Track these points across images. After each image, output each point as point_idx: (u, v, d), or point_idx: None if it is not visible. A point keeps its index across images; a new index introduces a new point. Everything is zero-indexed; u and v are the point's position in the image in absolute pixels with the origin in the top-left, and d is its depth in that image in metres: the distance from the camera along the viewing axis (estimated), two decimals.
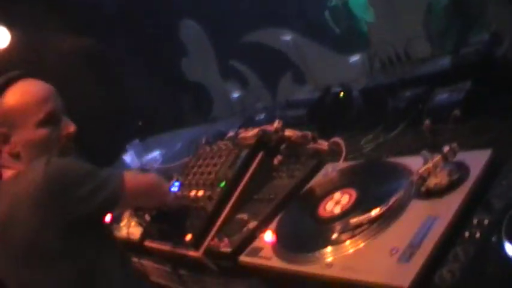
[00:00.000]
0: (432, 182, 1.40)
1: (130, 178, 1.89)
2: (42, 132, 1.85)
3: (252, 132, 2.32)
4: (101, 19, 5.66)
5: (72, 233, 1.76)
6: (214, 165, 2.20)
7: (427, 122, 1.88)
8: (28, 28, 5.03)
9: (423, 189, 1.41)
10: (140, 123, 5.59)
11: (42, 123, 1.84)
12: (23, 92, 1.86)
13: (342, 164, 1.93)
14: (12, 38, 4.79)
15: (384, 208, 1.41)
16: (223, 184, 2.04)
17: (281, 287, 1.60)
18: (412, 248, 1.23)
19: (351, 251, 1.38)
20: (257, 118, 3.21)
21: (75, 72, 5.73)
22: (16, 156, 1.85)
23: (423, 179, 1.42)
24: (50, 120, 1.86)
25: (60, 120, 1.90)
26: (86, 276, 1.81)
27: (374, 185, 1.59)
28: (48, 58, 5.34)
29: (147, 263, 2.44)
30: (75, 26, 5.65)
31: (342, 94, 2.65)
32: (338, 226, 1.46)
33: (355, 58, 3.99)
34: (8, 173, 1.87)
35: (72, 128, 1.92)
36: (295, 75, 4.58)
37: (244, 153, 2.11)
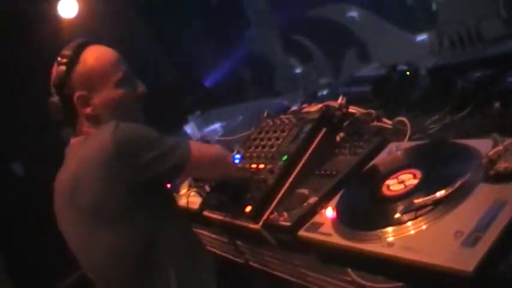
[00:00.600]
0: (502, 165, 1.35)
1: (197, 148, 1.92)
2: (121, 92, 1.93)
3: (315, 107, 2.31)
4: None
5: (136, 197, 1.80)
6: (277, 138, 2.19)
7: (496, 104, 1.82)
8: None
9: (492, 172, 1.36)
10: (203, 94, 5.65)
11: (120, 83, 1.92)
12: (98, 55, 1.92)
13: (406, 144, 1.89)
14: (80, 8, 4.88)
15: (450, 190, 1.37)
16: (285, 158, 2.03)
17: (339, 263, 1.59)
18: (478, 233, 1.20)
19: (412, 231, 1.35)
20: (320, 94, 3.19)
21: (141, 43, 5.83)
22: (95, 119, 1.91)
23: (492, 162, 1.37)
24: (126, 80, 1.95)
25: (133, 80, 1.99)
26: (146, 243, 1.84)
27: (440, 166, 1.55)
28: (114, 29, 5.44)
29: (204, 233, 2.47)
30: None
31: (408, 72, 2.59)
32: (401, 206, 1.43)
33: (422, 37, 3.90)
34: (77, 139, 1.94)
35: (142, 87, 2.02)
36: (360, 52, 4.53)
37: (307, 128, 2.09)
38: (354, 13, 4.40)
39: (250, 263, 2.20)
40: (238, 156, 2.36)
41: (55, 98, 1.90)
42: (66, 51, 1.90)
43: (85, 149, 1.83)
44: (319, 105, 2.28)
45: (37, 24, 4.88)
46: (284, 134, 2.18)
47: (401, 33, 4.10)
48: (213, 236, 2.41)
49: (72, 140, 1.98)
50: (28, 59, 4.81)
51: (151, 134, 1.82)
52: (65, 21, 5.06)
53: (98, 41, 2.00)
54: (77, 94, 1.88)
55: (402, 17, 4.08)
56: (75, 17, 4.97)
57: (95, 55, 1.91)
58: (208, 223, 2.38)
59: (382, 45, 4.29)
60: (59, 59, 1.90)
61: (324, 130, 2.09)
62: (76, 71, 1.87)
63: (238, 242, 2.20)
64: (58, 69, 1.88)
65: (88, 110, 1.90)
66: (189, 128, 4.19)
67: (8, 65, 4.81)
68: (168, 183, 1.99)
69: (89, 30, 5.20)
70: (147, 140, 1.79)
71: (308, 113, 2.25)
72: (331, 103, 2.30)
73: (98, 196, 1.78)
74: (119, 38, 5.48)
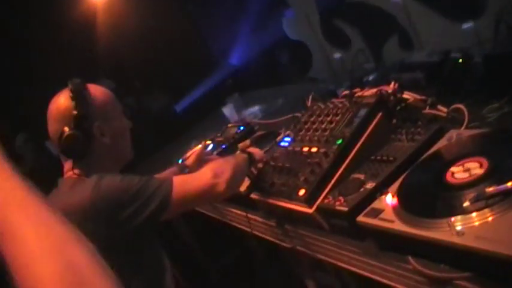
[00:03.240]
0: None
1: (181, 186, 1.91)
2: (126, 122, 2.12)
3: (369, 91, 2.26)
4: None
5: (110, 253, 1.76)
6: (330, 122, 2.16)
7: None
8: None
9: None
10: (230, 81, 5.62)
11: (123, 114, 2.11)
12: (103, 90, 2.05)
13: (467, 131, 1.85)
14: None
15: None
16: (340, 142, 2.00)
17: (400, 251, 1.56)
18: None
19: (482, 221, 1.31)
20: (366, 79, 3.14)
21: (174, 25, 5.82)
22: (109, 150, 2.00)
23: None
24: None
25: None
26: None
27: (507, 155, 1.51)
28: (146, 12, 5.45)
29: (249, 216, 2.45)
30: None
31: (461, 60, 2.53)
32: (470, 194, 1.39)
33: (467, 25, 3.82)
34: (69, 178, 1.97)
35: (130, 123, 2.15)
36: (402, 38, 4.45)
37: (362, 112, 2.05)
38: None
39: (298, 247, 2.17)
40: (288, 139, 2.33)
41: (72, 131, 1.91)
42: (74, 87, 1.93)
43: (69, 198, 1.84)
44: (374, 90, 2.24)
45: (72, 6, 4.90)
46: (338, 118, 2.14)
47: (447, 20, 4.01)
48: (259, 219, 2.38)
49: (67, 174, 2.00)
50: (56, 42, 4.85)
51: (133, 185, 1.83)
52: (96, 5, 5.08)
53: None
54: (96, 124, 1.95)
55: (448, 5, 3.99)
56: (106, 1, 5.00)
57: (99, 89, 2.03)
58: (254, 206, 2.36)
59: (425, 33, 4.21)
60: (68, 94, 1.93)
61: (379, 115, 2.05)
62: (91, 104, 1.94)
63: (287, 226, 2.17)
64: (71, 103, 1.91)
65: (106, 140, 1.99)
66: (227, 110, 4.16)
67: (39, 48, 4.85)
68: (151, 227, 1.98)
69: (125, 11, 5.23)
70: (129, 194, 1.81)
71: (362, 97, 2.20)
72: (385, 88, 2.26)
73: None
74: (151, 21, 5.52)
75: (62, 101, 1.94)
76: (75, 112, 1.89)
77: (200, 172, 2.03)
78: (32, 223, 0.80)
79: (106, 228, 1.77)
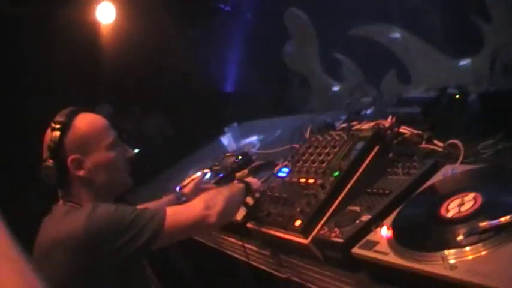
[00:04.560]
0: None
1: (173, 217, 1.95)
2: (112, 154, 2.07)
3: (366, 125, 2.30)
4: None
5: (103, 276, 1.87)
6: (327, 154, 2.18)
7: None
8: (132, 6, 5.20)
9: None
10: (239, 106, 5.67)
11: (111, 147, 2.07)
12: (90, 120, 2.08)
13: (462, 167, 1.88)
14: (117, 14, 4.94)
15: None
16: (336, 174, 2.02)
17: (393, 283, 1.57)
18: None
19: (476, 255, 1.34)
20: (363, 113, 3.18)
21: (178, 51, 5.87)
22: (87, 182, 2.02)
23: None
24: (117, 145, 2.11)
25: (122, 145, 2.16)
26: None
27: (502, 192, 1.53)
28: (151, 37, 5.49)
29: (244, 245, 2.46)
30: (178, 9, 5.78)
31: (457, 96, 2.57)
32: (464, 229, 1.42)
33: (464, 62, 3.88)
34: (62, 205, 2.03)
35: (131, 152, 2.20)
36: (400, 73, 4.50)
37: (359, 145, 2.08)
38: (397, 34, 4.38)
39: (292, 278, 2.18)
40: (286, 169, 2.36)
41: (49, 162, 1.98)
42: (59, 118, 2.01)
43: (62, 225, 1.89)
44: (371, 124, 2.28)
45: (74, 29, 4.95)
46: (335, 150, 2.17)
47: (444, 57, 4.07)
48: (254, 248, 2.39)
49: (61, 202, 2.05)
50: (65, 63, 4.88)
51: (127, 216, 1.87)
52: (103, 26, 5.13)
53: (88, 108, 2.14)
54: (70, 157, 1.98)
55: (446, 42, 4.05)
56: (113, 22, 5.03)
57: (87, 120, 2.06)
58: (250, 235, 2.37)
59: (423, 68, 4.26)
60: (52, 125, 2.01)
61: (376, 148, 2.08)
62: (69, 136, 1.99)
63: (282, 256, 2.18)
64: (52, 134, 1.99)
65: (81, 173, 2.00)
66: (226, 139, 4.19)
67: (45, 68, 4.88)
68: (142, 256, 2.03)
69: (126, 35, 5.27)
70: (122, 225, 1.85)
71: (360, 130, 2.24)
72: (382, 122, 2.30)
73: (63, 277, 1.82)
74: (155, 45, 5.58)
75: (48, 131, 2.02)
76: (51, 144, 1.98)
77: (192, 203, 2.06)
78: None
79: (97, 257, 1.82)
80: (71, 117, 2.02)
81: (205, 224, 2.00)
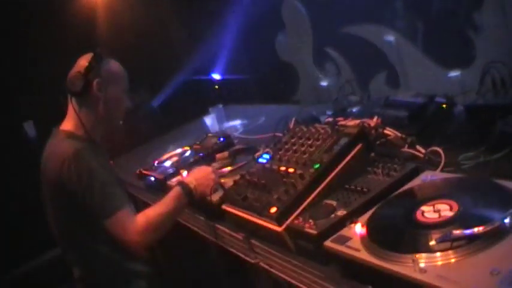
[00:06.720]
0: None
1: (116, 223, 2.37)
2: (122, 97, 2.62)
3: (352, 122, 2.31)
4: None
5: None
6: (310, 146, 2.19)
7: None
8: None
9: None
10: (216, 87, 5.67)
11: (125, 92, 2.63)
12: (121, 68, 2.63)
13: (441, 174, 1.90)
14: None
15: (489, 227, 1.37)
16: (317, 166, 2.03)
17: (362, 279, 1.59)
18: None
19: (445, 261, 1.35)
20: (349, 110, 3.19)
21: (169, 33, 5.85)
22: (95, 106, 2.53)
23: None
24: (127, 92, 2.64)
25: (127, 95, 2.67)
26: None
27: (479, 202, 1.55)
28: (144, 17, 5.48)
29: (217, 226, 2.47)
30: None
31: (444, 105, 2.59)
32: (437, 234, 1.43)
33: (455, 73, 3.91)
34: (68, 124, 2.58)
35: (130, 104, 2.68)
36: (390, 76, 4.53)
37: (343, 141, 2.09)
38: (391, 38, 4.40)
39: (261, 264, 2.19)
40: (267, 156, 2.36)
41: (80, 73, 2.47)
42: (97, 52, 2.51)
43: (59, 147, 2.48)
44: (356, 121, 2.29)
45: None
46: (318, 142, 2.18)
47: (435, 66, 4.10)
48: (226, 230, 2.39)
49: (62, 126, 2.60)
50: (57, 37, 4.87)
51: (94, 189, 2.38)
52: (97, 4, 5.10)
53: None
54: (97, 79, 2.48)
55: (439, 52, 4.08)
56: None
57: (119, 65, 2.62)
58: (223, 217, 2.38)
59: (413, 74, 4.30)
60: (91, 54, 2.51)
61: (359, 146, 2.09)
62: (104, 66, 2.52)
63: (254, 241, 2.19)
64: (90, 59, 2.48)
65: (98, 95, 2.49)
66: (209, 120, 4.19)
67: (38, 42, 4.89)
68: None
69: (125, 6, 5.25)
70: (82, 191, 2.38)
71: (344, 126, 2.25)
72: (368, 121, 2.31)
73: (56, 183, 2.41)
74: (148, 26, 5.55)
75: (85, 55, 2.53)
76: (87, 63, 2.47)
77: (135, 226, 2.35)
78: None
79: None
80: (107, 56, 2.57)
81: (133, 247, 2.38)
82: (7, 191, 5.04)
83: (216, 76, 5.82)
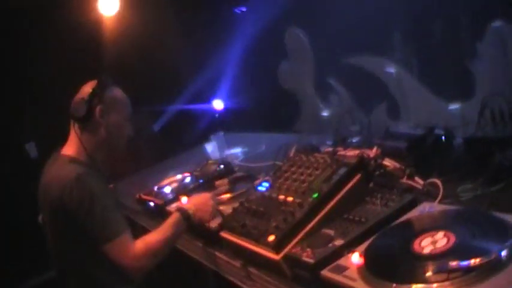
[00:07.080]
0: None
1: (115, 248, 2.40)
2: (124, 124, 2.65)
3: (352, 152, 2.33)
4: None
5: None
6: (309, 175, 2.21)
7: None
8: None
9: None
10: (217, 115, 5.69)
11: (127, 119, 2.66)
12: (124, 95, 2.68)
13: (439, 206, 1.91)
14: (120, 6, 4.94)
15: (486, 260, 1.38)
16: (316, 195, 2.04)
17: None
18: None
19: None
20: (349, 140, 3.20)
21: (176, 50, 5.88)
22: (97, 131, 2.56)
23: None
24: (129, 119, 2.68)
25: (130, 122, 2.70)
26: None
27: (476, 234, 1.55)
28: (152, 32, 5.51)
29: (213, 253, 2.47)
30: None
31: (444, 138, 2.61)
32: (433, 265, 1.44)
33: (454, 106, 3.93)
34: (70, 149, 2.60)
35: (132, 131, 2.71)
36: (390, 108, 4.54)
37: (342, 170, 2.11)
38: (392, 69, 4.43)
39: None
40: (266, 184, 2.37)
41: (84, 100, 2.52)
42: (103, 79, 2.58)
43: (62, 170, 2.50)
44: (356, 151, 2.30)
45: (77, 19, 4.96)
46: (317, 172, 2.19)
47: (435, 98, 4.12)
48: (224, 258, 2.39)
49: (63, 151, 2.62)
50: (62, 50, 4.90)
51: (95, 213, 2.40)
52: (105, 19, 5.12)
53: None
54: (100, 106, 2.52)
55: (439, 84, 4.10)
56: (116, 15, 5.03)
57: (121, 92, 2.66)
58: (221, 244, 2.38)
59: (413, 106, 4.31)
60: (96, 81, 2.56)
61: (358, 176, 2.11)
62: (107, 94, 2.56)
63: (251, 269, 2.19)
64: (95, 85, 2.54)
65: (100, 121, 2.54)
66: (210, 147, 4.21)
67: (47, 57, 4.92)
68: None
69: (128, 29, 5.28)
70: (85, 214, 2.40)
71: (344, 156, 2.26)
72: (367, 151, 2.32)
73: (56, 209, 2.45)
74: (155, 42, 5.59)
75: (90, 83, 2.58)
76: (90, 90, 2.51)
77: (134, 253, 2.37)
78: None
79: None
80: (111, 84, 2.61)
81: (131, 272, 2.41)
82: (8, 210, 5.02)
83: (218, 103, 5.85)
